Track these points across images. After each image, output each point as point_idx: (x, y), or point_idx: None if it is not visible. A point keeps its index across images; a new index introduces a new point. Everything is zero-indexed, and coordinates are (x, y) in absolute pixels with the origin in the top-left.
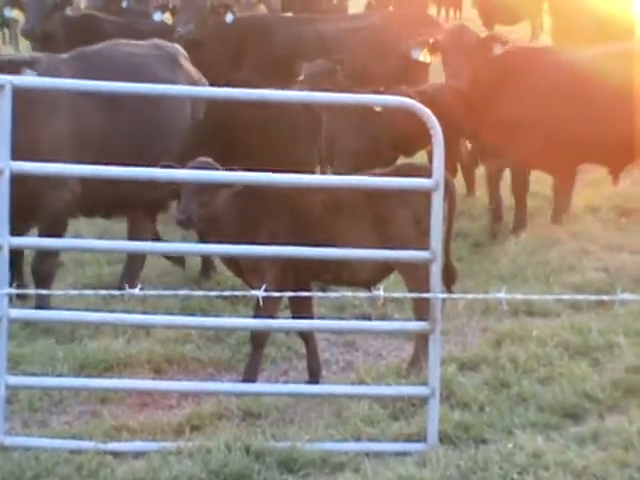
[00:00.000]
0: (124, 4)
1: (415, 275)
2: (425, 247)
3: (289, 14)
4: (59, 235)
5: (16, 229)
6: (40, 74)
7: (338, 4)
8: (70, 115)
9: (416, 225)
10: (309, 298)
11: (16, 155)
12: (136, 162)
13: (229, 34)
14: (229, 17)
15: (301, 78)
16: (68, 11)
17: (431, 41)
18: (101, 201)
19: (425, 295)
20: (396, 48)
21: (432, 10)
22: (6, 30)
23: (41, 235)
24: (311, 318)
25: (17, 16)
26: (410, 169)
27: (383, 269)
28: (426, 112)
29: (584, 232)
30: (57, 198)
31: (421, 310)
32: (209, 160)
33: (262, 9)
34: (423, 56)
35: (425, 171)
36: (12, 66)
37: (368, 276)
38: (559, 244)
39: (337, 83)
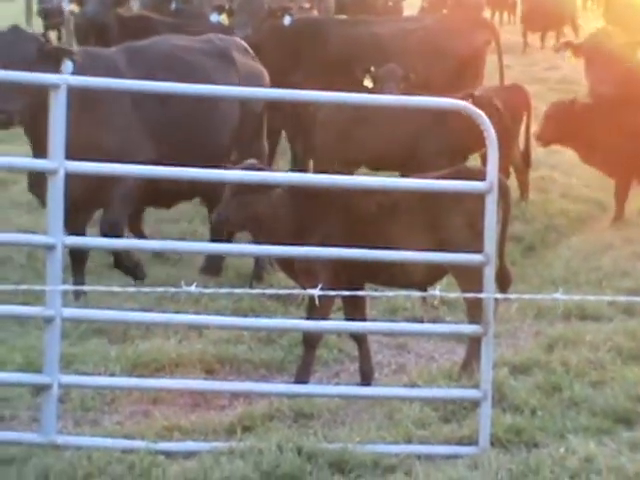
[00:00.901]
0: (172, 5)
1: (469, 278)
2: (479, 250)
3: (343, 17)
4: (121, 224)
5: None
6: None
7: (393, 6)
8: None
9: (470, 228)
10: (362, 300)
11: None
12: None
13: (286, 36)
14: (287, 20)
15: (367, 82)
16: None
17: (575, 43)
18: (164, 191)
19: (478, 295)
20: (451, 51)
21: (486, 13)
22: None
23: (104, 225)
24: (364, 320)
25: (74, 9)
26: (465, 172)
27: (436, 272)
28: (480, 115)
29: (638, 237)
30: (123, 185)
31: (474, 313)
32: (255, 162)
33: (315, 13)
34: (567, 57)
35: (480, 174)
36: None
37: (421, 278)
38: (612, 249)
39: (408, 90)
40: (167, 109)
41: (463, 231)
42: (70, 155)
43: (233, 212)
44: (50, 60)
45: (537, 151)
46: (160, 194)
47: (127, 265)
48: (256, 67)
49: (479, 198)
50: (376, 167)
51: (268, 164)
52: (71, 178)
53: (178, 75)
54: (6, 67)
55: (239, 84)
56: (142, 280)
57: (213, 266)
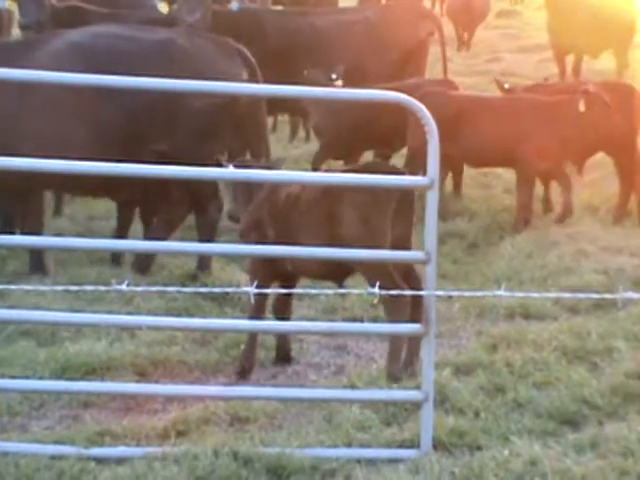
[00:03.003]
0: None
1: (374, 274)
2: (373, 246)
3: (279, 7)
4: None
5: None
6: None
7: None
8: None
9: (364, 224)
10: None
11: None
12: None
13: (226, 26)
14: (234, 5)
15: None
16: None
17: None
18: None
19: (420, 293)
20: (394, 43)
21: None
22: None
23: None
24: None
25: (10, 6)
26: (373, 168)
27: (338, 268)
28: (421, 108)
29: (582, 233)
30: None
31: (392, 311)
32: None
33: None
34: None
35: (389, 171)
36: None
37: (321, 274)
38: (557, 246)
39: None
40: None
41: (357, 226)
42: None
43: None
44: None
45: None
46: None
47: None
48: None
49: (373, 192)
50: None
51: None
52: None
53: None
54: None
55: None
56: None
57: (144, 263)
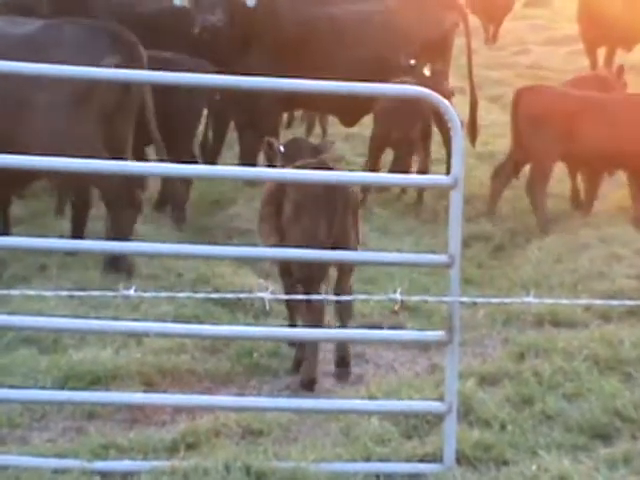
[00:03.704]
0: None
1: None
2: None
3: None
4: None
5: None
6: None
7: None
8: None
9: (295, 221)
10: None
11: None
12: None
13: (240, 18)
14: (250, 1)
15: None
16: None
17: None
18: None
19: (444, 299)
20: (417, 34)
21: None
22: None
23: None
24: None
25: None
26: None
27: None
28: (444, 103)
29: (615, 236)
30: None
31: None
32: None
33: None
34: None
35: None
36: None
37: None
38: (588, 249)
39: None
40: None
41: (290, 221)
42: None
43: None
44: None
45: (501, 142)
46: None
47: None
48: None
49: (304, 191)
50: None
51: (214, 156)
52: None
53: None
54: None
55: None
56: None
57: (118, 262)
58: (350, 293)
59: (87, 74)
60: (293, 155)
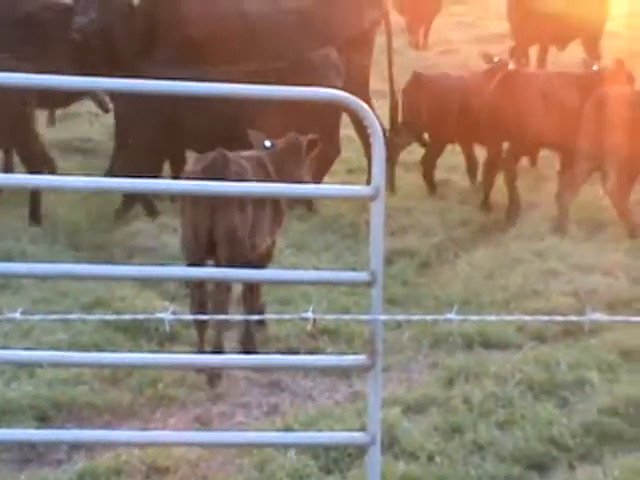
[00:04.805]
0: None
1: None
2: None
3: None
4: None
5: None
6: None
7: None
8: None
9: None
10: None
11: None
12: None
13: (136, 17)
14: None
15: None
16: None
17: None
18: None
19: (364, 318)
20: (336, 33)
21: None
22: None
23: None
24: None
25: None
26: None
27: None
28: (363, 107)
29: (550, 250)
30: None
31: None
32: None
33: None
34: None
35: None
36: None
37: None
38: (521, 264)
39: None
40: None
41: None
42: None
43: None
44: None
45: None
46: None
47: None
48: None
49: None
50: None
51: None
52: None
53: None
54: None
55: None
56: None
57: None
58: (262, 311)
59: None
60: None
